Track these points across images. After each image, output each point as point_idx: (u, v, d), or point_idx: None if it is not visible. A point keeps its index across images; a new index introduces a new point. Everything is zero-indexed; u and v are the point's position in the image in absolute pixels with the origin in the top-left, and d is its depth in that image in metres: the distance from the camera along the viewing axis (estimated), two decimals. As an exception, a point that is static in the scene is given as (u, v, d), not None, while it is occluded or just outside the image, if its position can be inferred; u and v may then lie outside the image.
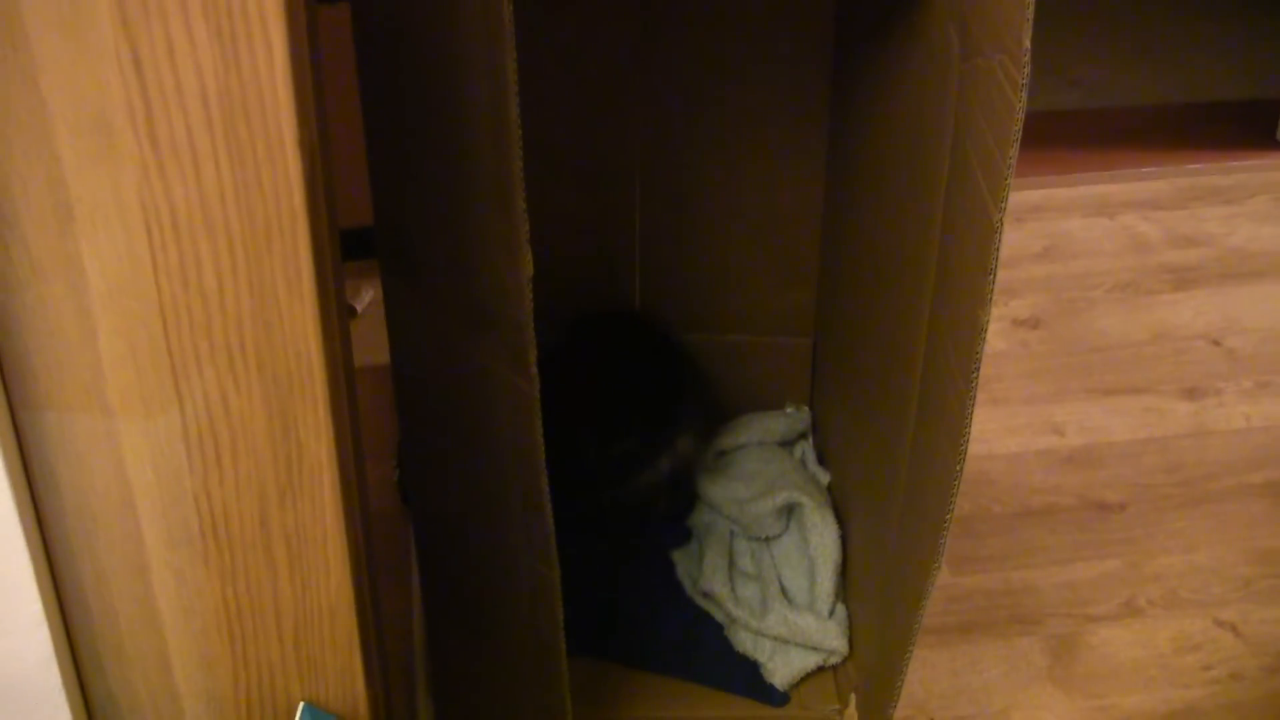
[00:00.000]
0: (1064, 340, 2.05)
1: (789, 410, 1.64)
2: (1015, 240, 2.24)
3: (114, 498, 0.82)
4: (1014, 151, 0.89)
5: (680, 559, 1.52)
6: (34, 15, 0.67)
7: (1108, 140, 2.53)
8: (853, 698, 1.37)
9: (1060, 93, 2.68)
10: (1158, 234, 2.28)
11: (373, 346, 1.26)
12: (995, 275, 0.94)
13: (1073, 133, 2.56)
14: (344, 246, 0.90)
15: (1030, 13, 0.85)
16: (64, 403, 0.78)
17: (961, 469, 1.03)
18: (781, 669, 1.40)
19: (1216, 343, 2.05)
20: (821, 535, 1.46)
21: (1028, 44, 0.86)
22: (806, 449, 1.61)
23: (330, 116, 0.84)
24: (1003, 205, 0.91)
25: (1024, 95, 0.87)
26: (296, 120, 0.71)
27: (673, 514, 1.59)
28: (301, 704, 0.91)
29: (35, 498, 0.81)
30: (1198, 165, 2.44)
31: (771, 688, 1.40)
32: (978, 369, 0.98)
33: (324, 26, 0.85)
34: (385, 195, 1.13)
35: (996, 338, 2.03)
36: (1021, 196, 2.34)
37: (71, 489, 0.81)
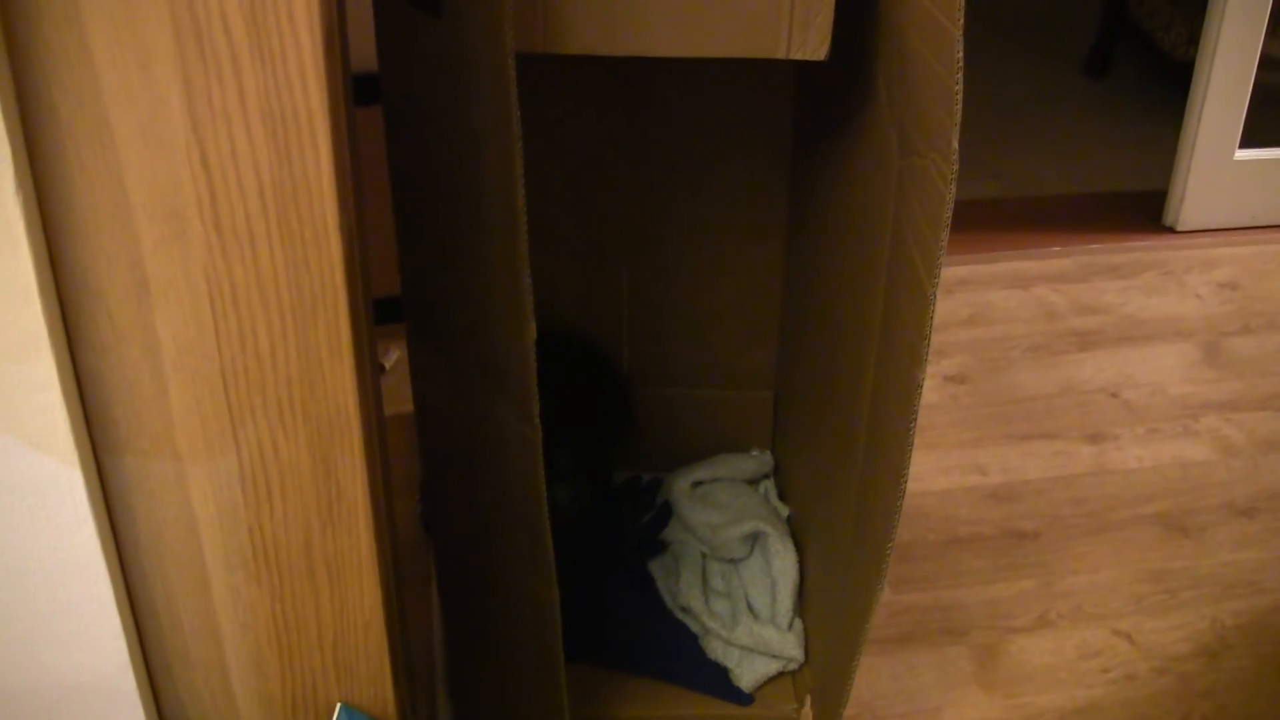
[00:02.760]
0: (987, 394, 2.05)
1: (754, 453, 1.64)
2: (945, 309, 2.25)
3: (181, 528, 0.82)
4: (945, 234, 0.89)
5: (660, 576, 1.51)
6: (120, 121, 0.67)
7: (1023, 224, 2.54)
8: (808, 699, 1.37)
9: (983, 184, 2.70)
10: (1064, 303, 2.29)
11: (399, 398, 1.26)
12: (929, 339, 0.94)
13: (993, 218, 2.57)
14: (375, 313, 0.91)
15: (957, 119, 0.85)
16: (140, 448, 0.78)
17: (901, 504, 1.03)
18: (748, 674, 1.40)
19: (1114, 395, 2.05)
20: (782, 559, 1.46)
21: (955, 145, 0.86)
22: (769, 486, 1.61)
23: (364, 202, 0.84)
24: (935, 279, 0.91)
25: (953, 187, 0.87)
26: (338, 209, 0.72)
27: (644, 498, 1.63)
28: (339, 705, 0.91)
29: (114, 528, 0.81)
30: (1097, 245, 2.46)
31: (739, 690, 1.39)
32: (915, 418, 0.98)
33: (360, 125, 0.86)
34: (412, 270, 1.13)
35: (930, 392, 2.03)
36: (951, 272, 2.35)
37: (145, 521, 0.81)
